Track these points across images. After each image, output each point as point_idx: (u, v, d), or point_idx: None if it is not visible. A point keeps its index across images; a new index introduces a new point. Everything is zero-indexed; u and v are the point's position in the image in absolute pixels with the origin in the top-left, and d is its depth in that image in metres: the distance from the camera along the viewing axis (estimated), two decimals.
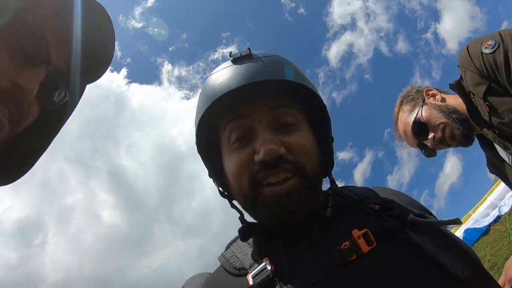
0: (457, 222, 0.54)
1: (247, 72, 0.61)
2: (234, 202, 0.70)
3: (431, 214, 0.71)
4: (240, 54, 0.65)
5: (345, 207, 0.64)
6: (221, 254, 0.67)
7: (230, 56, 0.65)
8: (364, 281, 0.47)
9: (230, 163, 0.63)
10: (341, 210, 0.62)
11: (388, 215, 0.58)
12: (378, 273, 0.48)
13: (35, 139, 0.53)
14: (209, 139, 0.68)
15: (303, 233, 0.58)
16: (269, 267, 0.53)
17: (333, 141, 0.71)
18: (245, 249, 0.62)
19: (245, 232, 0.63)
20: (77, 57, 0.51)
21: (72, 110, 0.56)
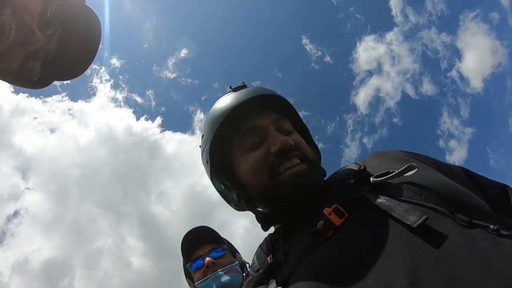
0: (410, 168, 0.60)
1: (247, 93, 0.78)
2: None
3: (418, 158, 0.72)
4: (237, 85, 0.84)
5: (331, 188, 0.71)
6: (250, 264, 0.78)
7: (231, 88, 0.84)
8: (339, 250, 0.54)
9: (247, 163, 0.74)
10: (327, 192, 0.70)
11: (363, 184, 0.64)
12: (350, 241, 0.54)
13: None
14: (220, 157, 0.79)
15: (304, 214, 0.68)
16: (269, 260, 0.66)
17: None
18: (261, 253, 0.73)
19: (264, 220, 0.76)
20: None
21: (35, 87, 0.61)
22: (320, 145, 0.86)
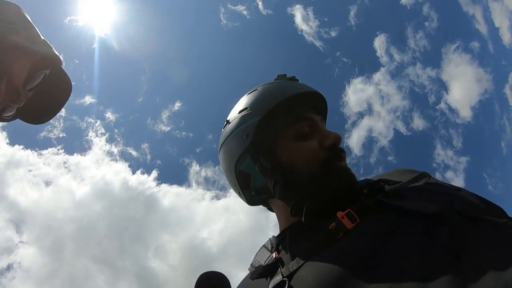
0: (423, 175, 0.65)
1: (309, 87, 0.78)
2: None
3: (421, 177, 0.70)
4: (291, 76, 0.84)
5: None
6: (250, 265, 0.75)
7: (285, 76, 0.84)
8: (349, 251, 0.54)
9: (299, 151, 0.72)
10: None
11: (376, 193, 0.66)
12: (360, 242, 0.55)
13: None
14: (264, 135, 0.75)
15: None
16: (274, 256, 0.67)
17: None
18: (263, 253, 0.73)
19: (308, 210, 0.68)
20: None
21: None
22: None
